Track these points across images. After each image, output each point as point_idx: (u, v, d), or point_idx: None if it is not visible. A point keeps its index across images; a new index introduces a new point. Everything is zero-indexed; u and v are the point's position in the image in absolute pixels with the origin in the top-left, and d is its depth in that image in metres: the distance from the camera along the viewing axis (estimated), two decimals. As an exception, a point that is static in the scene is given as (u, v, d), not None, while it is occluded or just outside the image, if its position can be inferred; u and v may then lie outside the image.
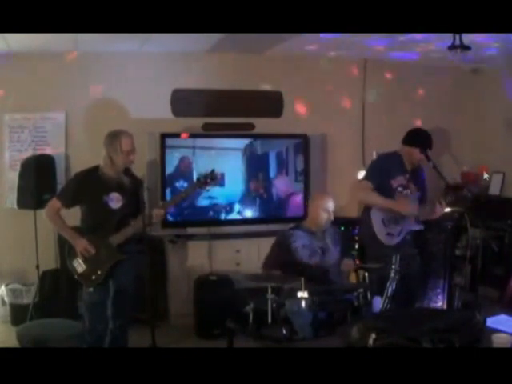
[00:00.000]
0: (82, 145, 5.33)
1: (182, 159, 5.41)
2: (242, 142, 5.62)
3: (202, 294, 5.16)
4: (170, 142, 5.36)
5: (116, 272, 3.82)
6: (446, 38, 4.11)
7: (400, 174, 4.27)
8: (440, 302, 5.19)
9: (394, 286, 3.61)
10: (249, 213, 5.64)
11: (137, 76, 5.47)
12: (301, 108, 6.00)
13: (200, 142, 5.50)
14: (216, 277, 5.23)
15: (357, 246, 4.66)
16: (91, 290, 3.83)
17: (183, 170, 5.40)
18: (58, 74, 5.31)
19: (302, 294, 3.26)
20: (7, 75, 5.22)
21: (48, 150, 5.30)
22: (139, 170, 4.43)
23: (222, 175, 5.16)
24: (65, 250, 3.97)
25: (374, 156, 5.55)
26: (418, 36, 4.69)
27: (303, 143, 5.75)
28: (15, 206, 5.08)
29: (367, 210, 4.31)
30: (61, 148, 5.39)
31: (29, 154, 5.19)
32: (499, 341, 2.42)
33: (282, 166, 5.75)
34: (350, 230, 5.35)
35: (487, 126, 6.19)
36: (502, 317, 2.95)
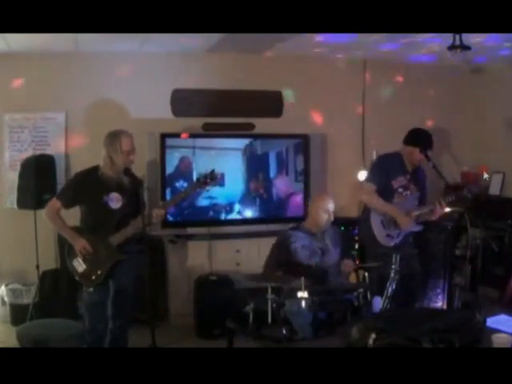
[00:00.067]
0: (82, 145, 5.33)
1: (182, 159, 5.41)
2: (241, 142, 5.61)
3: (201, 293, 5.16)
4: (169, 142, 5.36)
5: (116, 272, 3.82)
6: (446, 38, 4.12)
7: (401, 175, 4.28)
8: (440, 302, 5.19)
9: (393, 286, 3.62)
10: (249, 213, 5.64)
11: (137, 76, 5.47)
12: (301, 108, 6.00)
13: (200, 141, 5.50)
14: (216, 277, 5.23)
15: (357, 246, 4.67)
16: (91, 289, 3.83)
17: (183, 170, 5.40)
18: (58, 73, 5.31)
19: (302, 294, 3.26)
20: (7, 75, 5.22)
21: (48, 150, 5.30)
22: (139, 170, 4.42)
23: (222, 175, 5.16)
24: (65, 249, 3.97)
25: (374, 156, 5.57)
26: (419, 37, 4.70)
27: (303, 143, 5.75)
28: (15, 206, 5.08)
29: (367, 210, 4.32)
30: (61, 148, 5.39)
31: (29, 154, 5.18)
32: (499, 341, 2.42)
33: (282, 166, 5.75)
34: (350, 230, 5.35)
35: (487, 125, 6.19)
36: (502, 317, 2.95)
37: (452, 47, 4.10)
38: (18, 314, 5.06)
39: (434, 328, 2.35)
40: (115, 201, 3.83)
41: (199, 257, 5.43)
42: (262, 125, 5.81)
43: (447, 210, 4.24)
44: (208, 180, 4.04)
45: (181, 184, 5.33)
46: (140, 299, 4.22)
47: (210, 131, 5.69)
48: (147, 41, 4.95)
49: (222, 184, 5.27)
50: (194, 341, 4.96)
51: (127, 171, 3.89)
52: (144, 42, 5.00)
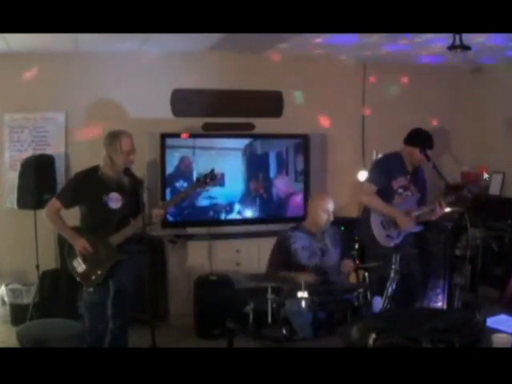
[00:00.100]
0: (82, 145, 5.33)
1: (182, 159, 5.41)
2: (241, 142, 5.61)
3: (202, 293, 5.16)
4: (169, 142, 5.36)
5: (116, 272, 3.82)
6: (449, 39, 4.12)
7: (401, 175, 4.28)
8: (440, 302, 5.19)
9: (393, 286, 3.62)
10: (249, 213, 5.64)
11: (137, 76, 5.47)
12: (301, 108, 6.00)
13: (200, 141, 5.50)
14: (216, 277, 5.23)
15: (357, 247, 4.66)
16: (91, 290, 3.83)
17: (183, 170, 5.40)
18: (58, 73, 5.31)
19: (302, 294, 3.26)
20: (7, 75, 5.22)
21: (48, 150, 5.30)
22: (139, 170, 4.42)
23: (222, 175, 5.17)
24: (65, 249, 3.98)
25: (374, 156, 5.57)
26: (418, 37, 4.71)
27: (303, 143, 5.75)
28: (15, 206, 5.08)
29: (367, 211, 4.32)
30: (61, 148, 5.39)
31: (29, 154, 5.18)
32: (499, 341, 2.42)
33: (282, 166, 5.75)
34: (350, 230, 5.35)
35: (487, 125, 6.19)
36: (502, 317, 2.95)
37: (452, 47, 4.10)
38: (18, 314, 5.06)
39: (434, 328, 2.35)
40: (115, 201, 3.83)
41: (199, 257, 5.43)
42: (262, 125, 5.81)
43: (447, 210, 4.24)
44: (208, 180, 4.05)
45: (181, 184, 5.33)
46: (140, 299, 4.22)
47: (210, 131, 5.69)
48: (147, 41, 4.95)
49: (222, 184, 5.27)
50: (193, 341, 4.96)
51: (127, 171, 3.89)
52: (144, 41, 5.00)
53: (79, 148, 5.33)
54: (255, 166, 5.65)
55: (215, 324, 4.92)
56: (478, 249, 5.10)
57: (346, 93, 6.11)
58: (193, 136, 5.50)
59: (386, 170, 4.29)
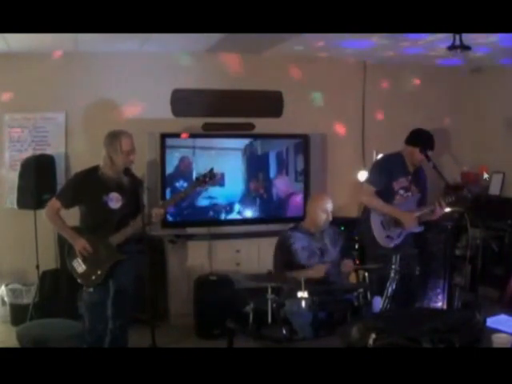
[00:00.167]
0: (82, 145, 5.33)
1: (181, 159, 5.41)
2: (241, 142, 5.61)
3: (202, 294, 5.16)
4: (170, 142, 5.36)
5: (116, 272, 3.82)
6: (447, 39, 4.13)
7: (402, 176, 4.28)
8: (440, 302, 5.18)
9: (393, 286, 3.62)
10: (249, 213, 5.64)
11: (137, 76, 5.47)
12: (301, 108, 5.99)
13: (200, 142, 5.50)
14: (216, 277, 5.23)
15: (357, 247, 4.67)
16: (91, 290, 3.83)
17: (183, 170, 5.40)
18: (58, 73, 5.31)
19: (302, 294, 3.26)
20: (7, 75, 5.22)
21: (48, 150, 5.30)
22: (139, 170, 4.42)
23: (222, 175, 5.17)
24: (65, 249, 3.97)
25: (374, 156, 5.57)
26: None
27: (303, 143, 5.75)
28: (15, 206, 5.08)
29: (367, 211, 4.32)
30: (61, 148, 5.39)
31: (29, 154, 5.19)
32: (499, 341, 2.42)
33: (282, 166, 5.75)
34: (350, 230, 5.35)
35: (487, 125, 6.19)
36: (502, 317, 2.95)
37: (452, 47, 4.10)
38: (18, 314, 5.06)
39: (434, 328, 2.35)
40: (115, 201, 3.83)
41: (199, 257, 5.43)
42: (262, 125, 5.81)
43: (447, 210, 4.24)
44: (207, 179, 4.04)
45: (181, 184, 5.33)
46: (140, 299, 4.22)
47: (210, 131, 5.69)
48: (147, 41, 4.95)
49: (221, 184, 5.28)
50: (193, 341, 4.96)
51: (127, 171, 3.89)
52: (144, 41, 5.00)
53: (79, 148, 5.33)
54: (255, 166, 5.65)
55: (215, 324, 4.92)
56: (478, 249, 5.10)
57: (347, 93, 6.11)
58: (193, 136, 5.50)
59: (387, 171, 4.29)
